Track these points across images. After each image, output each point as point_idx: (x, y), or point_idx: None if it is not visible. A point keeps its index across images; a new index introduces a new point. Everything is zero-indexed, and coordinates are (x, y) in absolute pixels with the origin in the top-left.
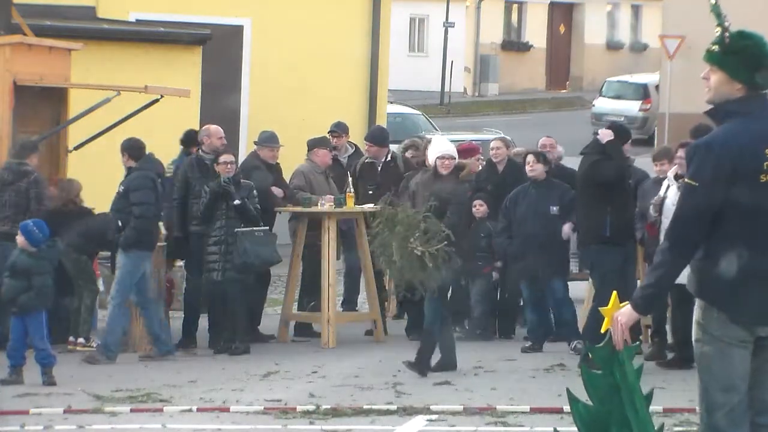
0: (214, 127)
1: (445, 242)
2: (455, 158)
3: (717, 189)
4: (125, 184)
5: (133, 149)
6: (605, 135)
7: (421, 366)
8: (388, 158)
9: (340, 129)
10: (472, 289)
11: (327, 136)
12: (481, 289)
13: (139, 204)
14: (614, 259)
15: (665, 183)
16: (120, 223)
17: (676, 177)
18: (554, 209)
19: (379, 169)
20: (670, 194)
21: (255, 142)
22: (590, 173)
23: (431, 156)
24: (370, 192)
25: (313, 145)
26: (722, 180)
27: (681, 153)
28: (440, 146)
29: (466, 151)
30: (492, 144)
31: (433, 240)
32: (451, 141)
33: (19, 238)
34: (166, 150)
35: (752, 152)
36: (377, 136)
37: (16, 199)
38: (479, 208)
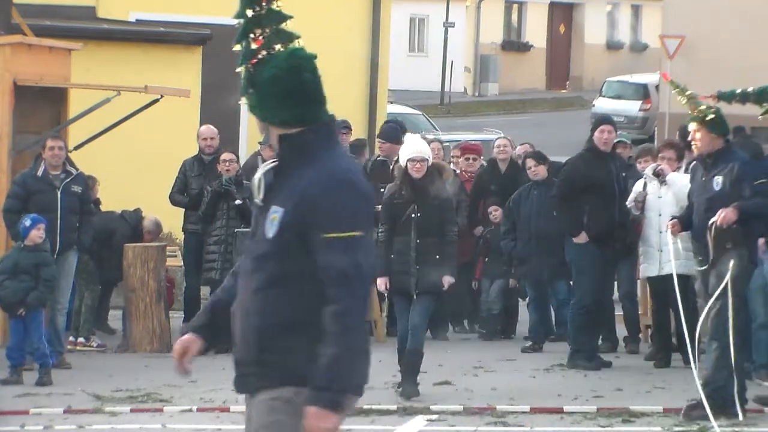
0: (202, 128)
1: None
2: (427, 160)
3: None
4: (81, 185)
5: None
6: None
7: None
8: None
9: (348, 127)
10: (492, 288)
11: None
12: (501, 289)
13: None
14: (591, 257)
15: (643, 179)
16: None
17: (656, 173)
18: None
19: (392, 167)
20: (651, 189)
21: (259, 142)
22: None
23: (402, 157)
24: (382, 190)
25: None
26: None
27: (665, 153)
28: (411, 147)
29: (468, 149)
30: (498, 142)
31: None
32: (451, 141)
33: (36, 233)
34: (165, 150)
35: None
36: (389, 133)
37: None
38: (495, 213)
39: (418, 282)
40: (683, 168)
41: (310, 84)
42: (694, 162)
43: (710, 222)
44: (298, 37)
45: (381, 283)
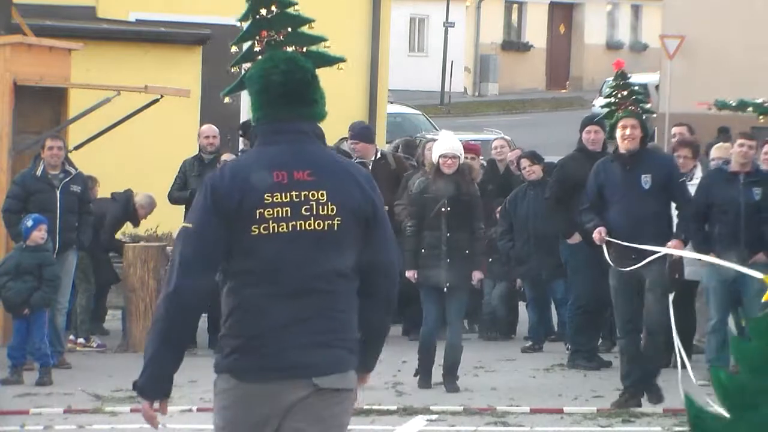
0: (203, 127)
1: None
2: (459, 157)
3: None
4: (80, 185)
5: None
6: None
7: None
8: (378, 156)
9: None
10: (493, 291)
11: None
12: (504, 291)
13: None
14: (585, 256)
15: None
16: (76, 224)
17: None
18: None
19: (370, 168)
20: None
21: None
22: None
23: (435, 153)
24: None
25: None
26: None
27: (681, 152)
28: (444, 144)
29: (467, 149)
30: (495, 143)
31: None
32: None
33: (38, 234)
34: (165, 150)
35: None
36: (362, 133)
37: None
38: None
39: (449, 276)
40: (698, 168)
41: (276, 87)
42: (601, 161)
43: (661, 252)
44: (322, 40)
45: (411, 275)
